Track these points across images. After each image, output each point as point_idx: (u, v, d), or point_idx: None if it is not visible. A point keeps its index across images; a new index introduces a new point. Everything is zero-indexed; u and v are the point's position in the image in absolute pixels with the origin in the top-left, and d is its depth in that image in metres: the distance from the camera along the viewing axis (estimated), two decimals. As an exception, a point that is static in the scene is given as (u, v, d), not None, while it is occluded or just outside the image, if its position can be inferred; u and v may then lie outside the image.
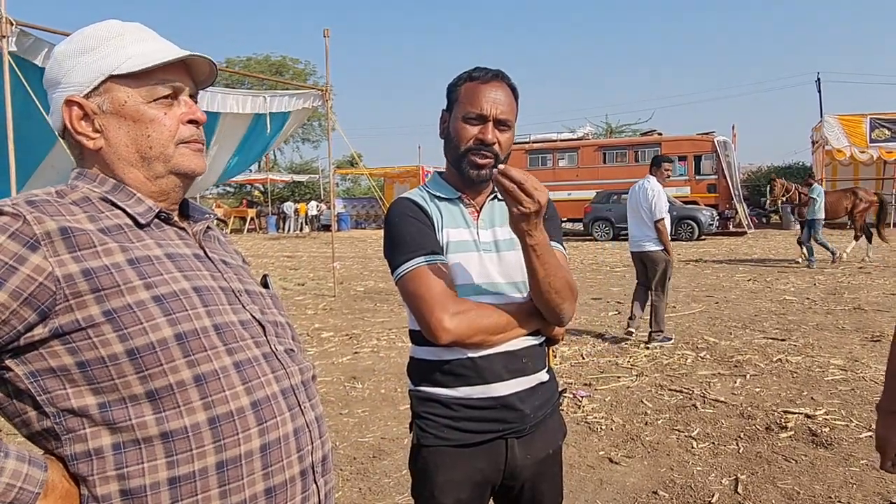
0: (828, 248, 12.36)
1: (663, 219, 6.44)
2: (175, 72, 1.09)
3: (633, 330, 6.93)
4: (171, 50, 1.09)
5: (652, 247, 6.56)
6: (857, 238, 13.16)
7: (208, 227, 1.21)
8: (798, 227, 14.33)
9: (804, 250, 12.43)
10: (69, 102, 1.05)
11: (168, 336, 0.97)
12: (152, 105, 1.07)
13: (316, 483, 1.10)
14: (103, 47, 1.06)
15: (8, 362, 0.95)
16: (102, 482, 0.94)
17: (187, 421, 0.97)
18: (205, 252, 1.14)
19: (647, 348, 6.45)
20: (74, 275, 0.94)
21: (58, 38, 5.79)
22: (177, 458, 0.96)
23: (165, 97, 1.08)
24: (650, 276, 6.69)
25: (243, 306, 1.10)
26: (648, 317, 6.78)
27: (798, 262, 12.73)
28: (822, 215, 12.35)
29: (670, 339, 6.64)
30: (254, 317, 1.11)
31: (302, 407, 1.10)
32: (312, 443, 1.10)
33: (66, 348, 0.94)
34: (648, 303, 6.81)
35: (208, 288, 1.06)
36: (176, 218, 1.14)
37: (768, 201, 14.07)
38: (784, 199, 13.73)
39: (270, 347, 1.10)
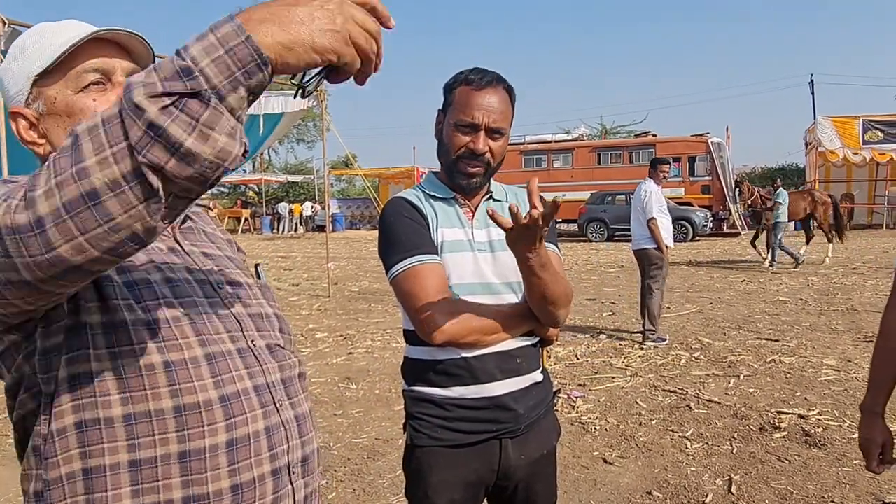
0: (789, 253, 12.25)
1: (654, 218, 6.60)
2: (102, 54, 1.03)
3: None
4: (82, 31, 1.03)
5: (647, 245, 6.74)
6: (830, 240, 13.05)
7: (186, 219, 1.19)
8: (746, 230, 14.26)
9: (771, 253, 12.34)
10: (13, 115, 1.03)
11: (140, 319, 0.97)
12: (81, 94, 1.02)
13: (292, 484, 1.08)
14: (27, 51, 1.03)
15: (9, 337, 0.94)
16: (66, 461, 0.93)
17: (152, 406, 0.95)
18: (180, 245, 1.12)
19: (642, 348, 6.46)
20: None
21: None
22: (138, 441, 0.94)
23: (96, 83, 1.03)
24: (644, 274, 6.86)
25: (222, 300, 1.09)
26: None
27: (761, 264, 12.68)
28: (785, 218, 12.30)
29: (664, 339, 6.66)
30: (231, 311, 1.09)
31: (277, 405, 1.07)
32: (288, 442, 1.08)
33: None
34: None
35: (182, 280, 1.05)
36: None
37: (739, 205, 13.80)
38: (749, 202, 13.64)
39: (247, 343, 1.08)
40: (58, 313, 0.94)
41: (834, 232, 12.93)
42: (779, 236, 12.27)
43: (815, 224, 13.38)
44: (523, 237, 1.35)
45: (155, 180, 0.72)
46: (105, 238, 0.75)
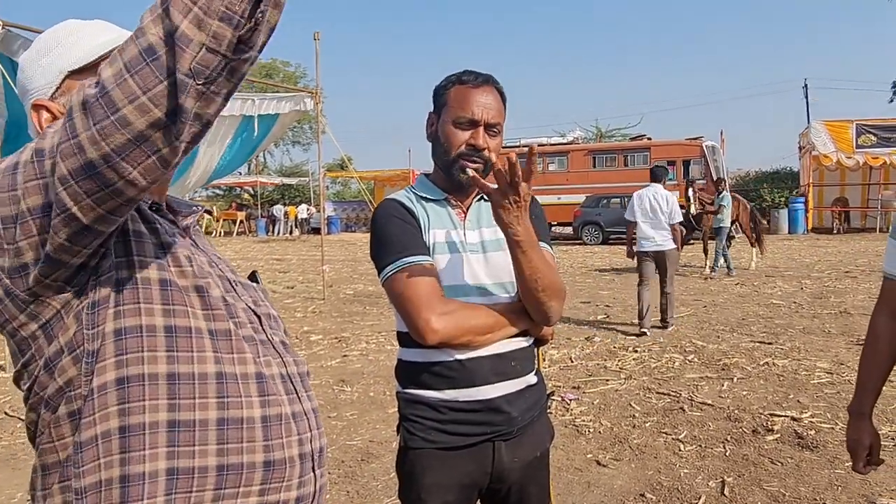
0: (726, 260, 12.07)
1: (681, 221, 7.54)
2: None
3: (647, 330, 7.32)
4: (125, 36, 1.04)
5: (670, 245, 7.38)
6: (753, 245, 12.86)
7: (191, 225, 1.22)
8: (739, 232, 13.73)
9: (714, 259, 12.11)
10: (36, 107, 1.04)
11: (191, 286, 1.02)
12: None
13: (314, 472, 1.10)
14: (60, 46, 1.05)
15: (62, 296, 0.95)
16: (102, 419, 0.93)
17: (197, 368, 0.98)
18: (197, 245, 1.16)
19: (636, 352, 6.48)
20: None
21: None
22: (180, 401, 0.96)
23: None
24: (664, 272, 7.45)
25: (239, 296, 1.12)
26: (659, 309, 7.59)
27: (704, 272, 12.45)
28: (728, 223, 12.06)
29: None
30: (248, 306, 1.12)
31: (299, 395, 1.11)
32: (311, 431, 1.11)
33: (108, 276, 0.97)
34: (645, 297, 7.45)
35: (208, 273, 1.09)
36: (165, 210, 1.15)
37: (693, 207, 12.77)
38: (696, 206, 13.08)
39: (267, 336, 1.12)
40: (108, 264, 0.96)
41: (754, 236, 12.70)
42: (723, 241, 12.00)
43: (739, 229, 13.09)
44: (507, 197, 1.40)
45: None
46: (165, 96, 0.78)
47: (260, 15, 0.78)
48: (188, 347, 0.98)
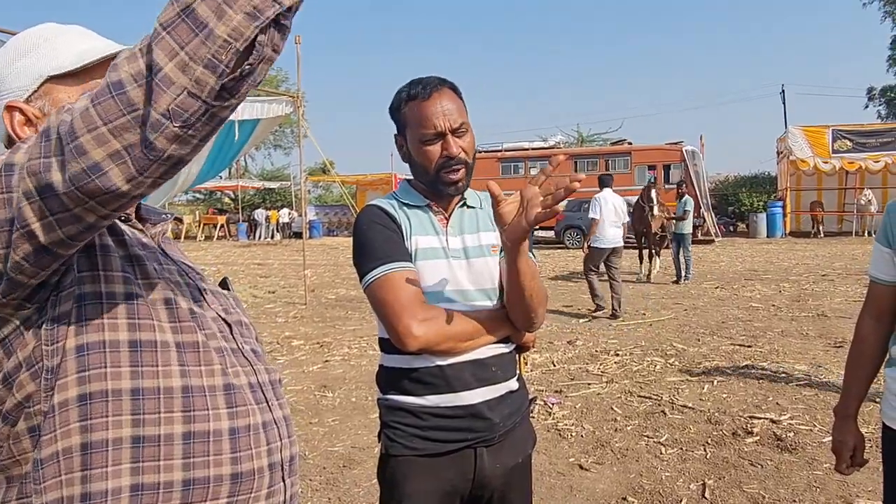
0: (678, 268, 11.86)
1: (596, 220, 8.76)
2: None
3: (602, 303, 8.80)
4: (108, 46, 1.06)
5: (622, 242, 8.92)
6: (655, 254, 12.55)
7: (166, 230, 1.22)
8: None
9: (690, 266, 11.85)
10: (10, 108, 1.02)
11: (159, 298, 1.01)
12: None
13: (284, 481, 1.10)
14: (40, 49, 1.03)
15: (22, 313, 0.94)
16: (64, 436, 0.92)
17: (162, 383, 0.97)
18: (164, 253, 1.14)
19: (618, 355, 6.52)
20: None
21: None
22: (144, 416, 0.95)
23: None
24: (614, 265, 8.77)
25: (209, 304, 1.12)
26: (611, 303, 8.67)
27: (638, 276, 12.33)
28: (690, 229, 11.88)
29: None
30: (219, 315, 1.12)
31: (270, 403, 1.11)
32: (281, 440, 1.10)
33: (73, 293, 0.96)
34: (596, 283, 8.97)
35: (177, 283, 1.08)
36: (134, 219, 1.14)
37: (656, 209, 12.22)
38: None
39: (237, 344, 1.11)
40: (69, 279, 0.95)
41: (655, 247, 12.48)
42: (688, 248, 11.79)
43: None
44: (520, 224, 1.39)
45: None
46: (126, 129, 0.78)
47: (247, 67, 0.78)
48: (153, 362, 0.97)
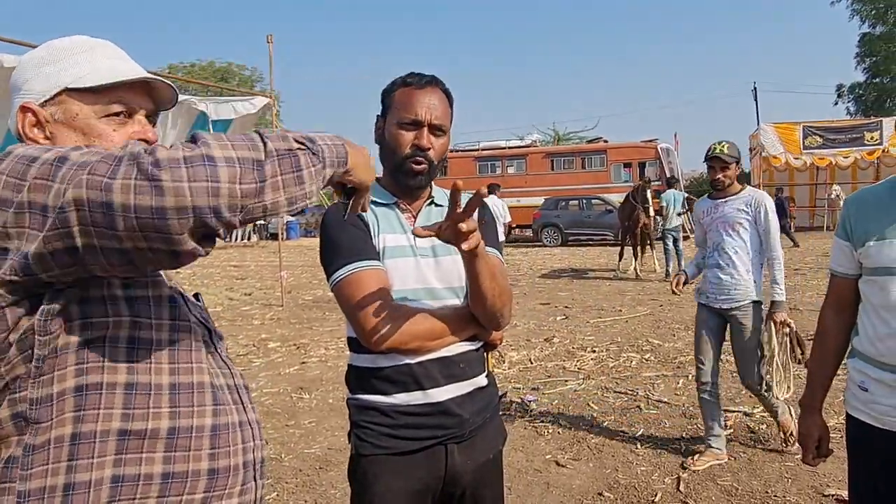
0: (667, 266, 11.91)
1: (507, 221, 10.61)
2: (133, 92, 1.12)
3: None
4: (129, 70, 1.12)
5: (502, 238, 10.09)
6: (641, 251, 12.58)
7: None
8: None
9: (681, 260, 11.60)
10: (24, 108, 1.09)
11: (156, 295, 1.07)
12: (103, 120, 1.09)
13: (255, 481, 1.14)
14: (65, 60, 1.09)
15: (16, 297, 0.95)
16: (58, 425, 0.95)
17: (153, 379, 1.02)
18: None
19: (594, 350, 6.56)
20: None
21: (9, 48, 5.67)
22: (133, 412, 1.00)
23: (117, 114, 1.10)
24: None
25: (190, 310, 1.15)
26: None
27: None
28: (675, 223, 11.80)
29: None
30: (199, 320, 1.16)
31: (245, 406, 1.16)
32: (254, 441, 1.15)
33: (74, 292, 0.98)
34: None
35: (168, 286, 1.13)
36: None
37: (651, 210, 11.97)
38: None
39: (214, 348, 1.17)
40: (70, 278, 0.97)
41: (645, 243, 12.58)
42: (678, 243, 11.77)
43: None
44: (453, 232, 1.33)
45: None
46: (202, 194, 0.86)
47: (294, 209, 0.96)
48: (147, 358, 1.02)
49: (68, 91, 1.08)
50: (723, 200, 3.79)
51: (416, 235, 1.37)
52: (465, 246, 1.31)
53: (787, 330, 3.78)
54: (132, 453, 0.98)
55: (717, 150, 3.72)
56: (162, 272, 1.12)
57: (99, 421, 0.97)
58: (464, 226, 1.28)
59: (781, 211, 12.76)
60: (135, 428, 0.99)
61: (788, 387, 3.85)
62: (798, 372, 4.18)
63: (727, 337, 3.94)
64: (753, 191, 3.84)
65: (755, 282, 3.77)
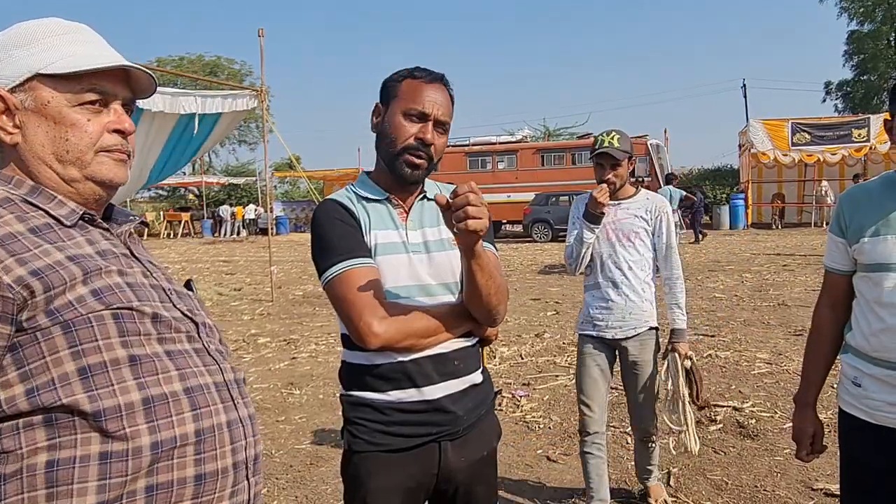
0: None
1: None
2: (109, 79, 1.06)
3: None
4: (106, 56, 1.06)
5: None
6: None
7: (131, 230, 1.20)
8: (684, 229, 13.90)
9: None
10: None
11: (106, 314, 0.98)
12: (76, 109, 1.04)
13: (248, 480, 1.11)
14: (36, 44, 1.03)
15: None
16: (31, 454, 0.92)
17: (121, 400, 0.96)
18: (131, 252, 1.14)
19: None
20: (24, 276, 0.93)
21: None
22: (111, 436, 0.95)
23: (92, 103, 1.05)
24: None
25: (174, 305, 1.11)
26: None
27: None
28: (676, 220, 12.15)
29: None
30: (185, 314, 1.12)
31: (235, 402, 1.11)
32: (246, 438, 1.11)
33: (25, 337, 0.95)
34: None
35: (140, 284, 1.07)
36: (99, 219, 1.13)
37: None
38: None
39: (203, 344, 1.11)
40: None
41: None
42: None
43: None
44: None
45: None
46: None
47: None
48: (107, 382, 0.96)
49: (40, 77, 1.02)
50: (615, 204, 3.06)
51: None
52: (472, 225, 1.31)
53: (689, 364, 3.18)
54: (116, 477, 0.94)
55: (606, 143, 2.99)
56: (149, 269, 1.10)
57: (78, 447, 0.93)
58: (472, 209, 1.30)
59: (704, 208, 13.32)
60: (115, 449, 0.95)
61: (696, 439, 3.28)
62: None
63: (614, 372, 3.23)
64: (651, 195, 3.19)
65: (651, 303, 3.16)
